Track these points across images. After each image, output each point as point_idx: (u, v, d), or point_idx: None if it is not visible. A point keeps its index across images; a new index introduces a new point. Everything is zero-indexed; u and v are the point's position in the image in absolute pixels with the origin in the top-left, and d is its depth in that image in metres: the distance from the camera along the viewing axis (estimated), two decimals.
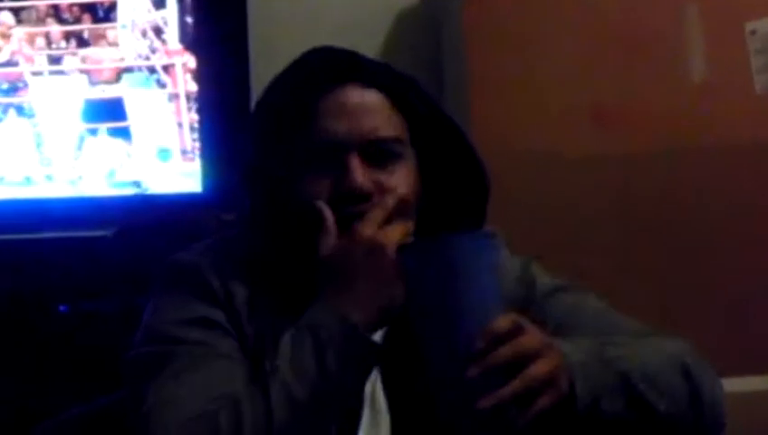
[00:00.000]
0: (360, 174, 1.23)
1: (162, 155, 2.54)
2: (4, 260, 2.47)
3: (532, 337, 1.07)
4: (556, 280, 1.34)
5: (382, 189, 1.24)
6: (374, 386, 1.24)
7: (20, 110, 2.54)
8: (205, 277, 1.26)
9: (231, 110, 2.49)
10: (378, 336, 1.22)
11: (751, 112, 2.43)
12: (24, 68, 2.54)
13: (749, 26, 2.44)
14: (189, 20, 2.54)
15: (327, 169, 1.24)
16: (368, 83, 1.28)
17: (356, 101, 1.26)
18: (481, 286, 1.05)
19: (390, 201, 1.22)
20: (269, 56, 2.33)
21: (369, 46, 2.72)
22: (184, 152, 2.55)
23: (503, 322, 1.05)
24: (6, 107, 2.54)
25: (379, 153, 1.26)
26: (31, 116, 2.55)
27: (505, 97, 2.43)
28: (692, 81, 2.47)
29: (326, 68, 1.28)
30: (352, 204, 1.23)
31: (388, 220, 1.21)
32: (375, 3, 2.80)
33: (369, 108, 1.26)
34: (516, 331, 1.05)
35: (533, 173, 2.42)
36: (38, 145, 2.55)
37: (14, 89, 2.54)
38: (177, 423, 1.13)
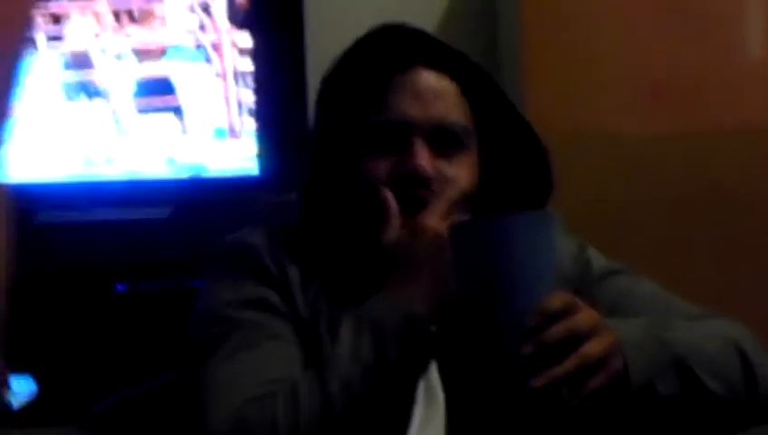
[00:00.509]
0: (424, 158, 1.22)
1: (219, 134, 2.55)
2: (63, 240, 2.50)
3: (587, 316, 1.06)
4: (611, 263, 1.33)
5: (442, 178, 1.24)
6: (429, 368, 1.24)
7: (85, 89, 2.56)
8: (260, 258, 1.27)
9: (287, 90, 2.50)
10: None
11: None
12: (87, 47, 2.56)
13: None
14: None
15: (391, 148, 1.24)
16: (440, 68, 1.27)
17: (428, 85, 1.25)
18: (536, 264, 1.04)
19: (454, 193, 1.21)
20: (325, 37, 2.33)
21: (424, 19, 2.72)
22: (231, 130, 2.55)
23: (557, 300, 1.04)
24: (74, 86, 2.56)
25: (444, 140, 1.25)
26: (97, 96, 2.56)
27: (560, 72, 2.42)
28: (752, 57, 2.44)
29: (400, 48, 1.27)
30: (412, 187, 1.23)
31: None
32: None
33: (440, 93, 1.26)
34: (570, 309, 1.05)
35: (591, 153, 2.40)
36: (96, 125, 2.57)
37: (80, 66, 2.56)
38: (235, 404, 1.14)
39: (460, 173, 1.26)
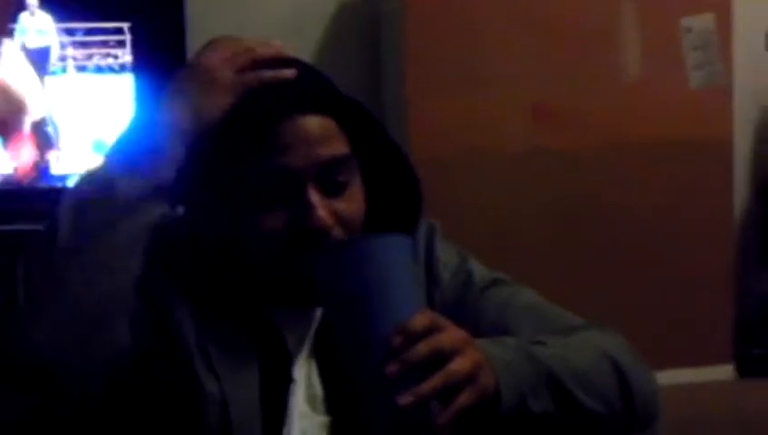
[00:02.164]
0: (320, 209, 1.17)
1: (97, 147, 2.52)
2: None
3: (451, 334, 1.04)
4: (492, 274, 1.33)
5: (341, 220, 1.19)
6: (310, 373, 1.22)
7: None
8: None
9: None
10: (313, 329, 1.21)
11: (686, 108, 2.47)
12: None
13: (685, 23, 2.47)
14: None
15: (282, 202, 1.18)
16: (315, 109, 1.21)
17: (309, 130, 1.19)
18: (392, 287, 1.02)
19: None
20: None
21: (310, 39, 2.72)
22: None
23: (418, 320, 1.02)
24: None
25: (334, 178, 1.20)
26: None
27: (445, 92, 2.44)
28: (628, 77, 2.50)
29: (276, 99, 1.21)
30: (312, 241, 1.16)
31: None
32: None
33: (322, 135, 1.20)
34: (434, 328, 1.02)
35: (472, 168, 2.43)
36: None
37: None
38: None
39: (353, 206, 1.22)
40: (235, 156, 1.20)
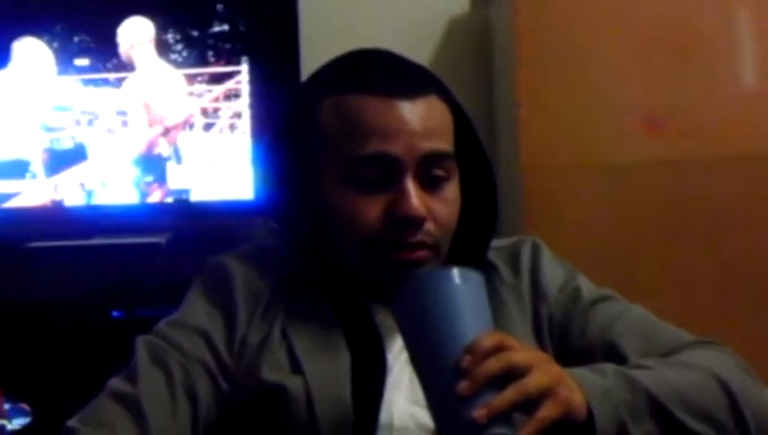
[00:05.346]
0: (416, 200, 1.19)
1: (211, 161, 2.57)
2: (59, 266, 2.50)
3: (523, 351, 1.02)
4: (601, 290, 1.33)
5: (433, 217, 1.21)
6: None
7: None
8: (230, 282, 1.27)
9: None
10: None
11: None
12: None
13: None
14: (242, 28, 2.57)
15: (379, 188, 1.21)
16: (425, 93, 1.23)
17: (413, 119, 1.21)
18: (464, 316, 1.03)
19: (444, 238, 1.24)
20: (321, 57, 2.35)
21: (422, 57, 2.74)
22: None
23: (486, 339, 1.01)
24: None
25: (431, 171, 1.22)
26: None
27: (556, 105, 2.43)
28: (744, 87, 2.45)
29: (383, 79, 1.23)
30: (406, 230, 1.20)
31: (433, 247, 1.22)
32: (425, 12, 2.82)
33: (426, 126, 1.21)
34: (503, 347, 1.01)
35: (584, 180, 2.41)
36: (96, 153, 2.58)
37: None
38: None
39: (447, 208, 1.23)
40: (337, 136, 1.22)
